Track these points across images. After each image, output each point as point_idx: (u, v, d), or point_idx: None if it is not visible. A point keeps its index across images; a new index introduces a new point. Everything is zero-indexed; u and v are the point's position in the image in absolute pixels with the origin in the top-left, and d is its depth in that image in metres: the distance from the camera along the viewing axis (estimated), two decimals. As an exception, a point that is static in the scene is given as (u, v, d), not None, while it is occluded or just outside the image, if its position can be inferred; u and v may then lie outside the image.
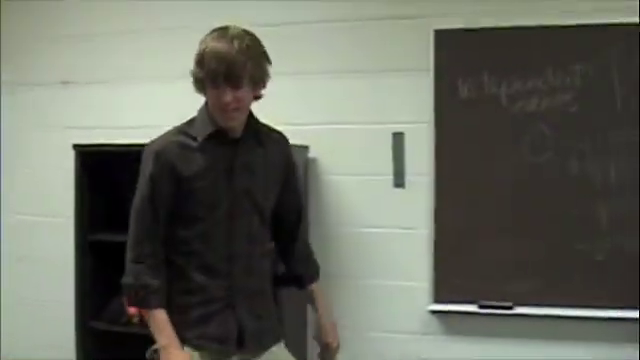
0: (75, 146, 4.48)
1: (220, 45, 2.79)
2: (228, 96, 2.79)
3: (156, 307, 2.82)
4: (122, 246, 2.95)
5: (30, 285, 5.22)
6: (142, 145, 3.87)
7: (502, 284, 4.20)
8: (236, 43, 2.79)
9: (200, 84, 2.87)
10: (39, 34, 5.18)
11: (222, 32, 2.84)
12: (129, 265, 2.84)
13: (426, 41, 4.28)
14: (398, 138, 4.40)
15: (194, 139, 2.88)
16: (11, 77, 5.25)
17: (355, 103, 4.50)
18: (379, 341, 4.41)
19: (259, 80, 2.89)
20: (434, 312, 4.33)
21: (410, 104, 4.38)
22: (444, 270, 4.29)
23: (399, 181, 4.42)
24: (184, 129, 2.91)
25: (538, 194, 4.15)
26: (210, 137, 2.88)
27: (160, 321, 2.81)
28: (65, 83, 5.09)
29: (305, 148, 4.51)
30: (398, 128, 4.41)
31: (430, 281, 4.31)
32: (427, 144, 4.30)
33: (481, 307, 4.21)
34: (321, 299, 3.25)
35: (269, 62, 2.93)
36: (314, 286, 3.25)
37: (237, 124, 2.91)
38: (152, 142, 2.91)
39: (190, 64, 4.34)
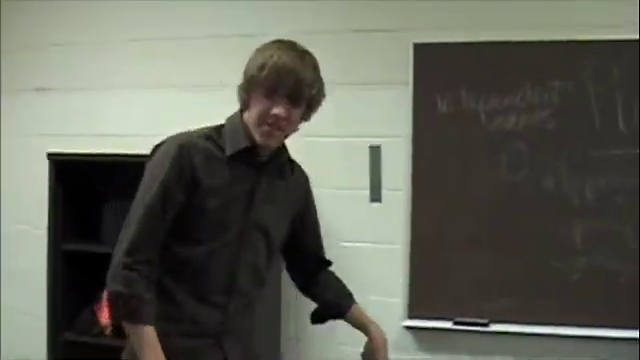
0: (50, 155, 4.51)
1: (290, 57, 2.68)
2: (282, 109, 2.65)
3: (148, 323, 2.54)
4: (96, 256, 2.90)
5: (2, 295, 5.25)
6: (118, 155, 3.92)
7: (478, 301, 4.21)
8: (308, 60, 2.73)
9: (248, 89, 2.72)
10: (16, 41, 5.22)
11: (291, 45, 2.75)
12: (119, 271, 2.54)
13: (405, 54, 4.31)
14: (375, 152, 4.43)
15: (221, 150, 2.72)
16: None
17: (332, 115, 4.46)
18: (353, 356, 4.43)
19: (315, 106, 2.82)
20: (409, 328, 4.34)
21: (388, 117, 4.41)
22: (419, 286, 4.30)
23: (375, 195, 4.44)
24: (212, 136, 2.74)
25: (515, 211, 4.17)
26: (240, 153, 2.72)
27: (152, 339, 2.54)
28: (40, 90, 5.12)
29: (282, 161, 4.52)
30: (375, 141, 4.43)
31: (405, 297, 4.33)
32: (404, 158, 4.32)
33: (456, 323, 4.23)
34: (366, 316, 3.17)
35: (324, 94, 2.86)
36: (354, 306, 3.18)
37: (273, 146, 2.77)
38: (174, 136, 2.72)
39: (172, 73, 4.42)
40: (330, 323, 3.14)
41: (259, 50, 2.72)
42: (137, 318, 2.53)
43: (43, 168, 4.55)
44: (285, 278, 4.14)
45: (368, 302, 4.34)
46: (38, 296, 4.53)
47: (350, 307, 3.13)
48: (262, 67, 2.63)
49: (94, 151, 4.51)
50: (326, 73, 4.45)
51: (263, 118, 2.65)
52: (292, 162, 3.01)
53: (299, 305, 4.34)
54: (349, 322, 3.16)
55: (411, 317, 4.33)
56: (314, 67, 2.74)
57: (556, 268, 4.14)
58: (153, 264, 2.57)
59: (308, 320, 3.09)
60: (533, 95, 4.14)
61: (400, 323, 4.34)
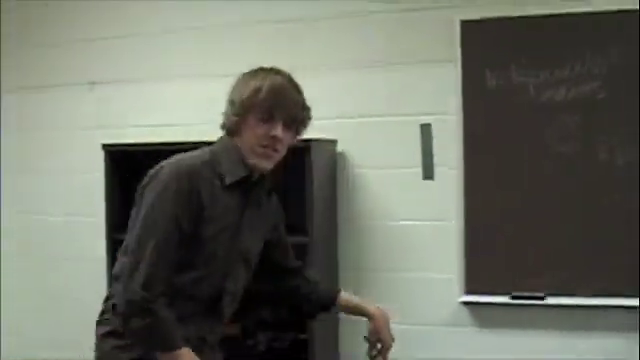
0: (104, 146, 4.67)
1: (282, 81, 2.79)
2: (280, 132, 2.75)
3: (182, 345, 2.63)
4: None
5: (62, 285, 5.45)
6: (171, 144, 4.07)
7: (534, 275, 4.27)
8: (295, 84, 2.85)
9: (242, 114, 2.77)
10: (67, 36, 5.38)
11: (278, 70, 2.84)
12: (141, 306, 2.58)
13: (452, 32, 4.37)
14: (426, 129, 4.50)
15: (219, 178, 2.78)
16: (39, 79, 5.48)
17: (382, 96, 4.60)
18: (411, 334, 4.52)
19: (303, 129, 2.90)
20: (466, 303, 4.42)
21: (437, 95, 4.47)
22: (475, 261, 4.38)
23: (428, 173, 4.51)
24: (212, 163, 2.79)
25: (567, 184, 4.22)
26: (238, 181, 2.81)
27: (193, 358, 2.65)
28: (92, 84, 5.29)
29: (333, 142, 4.64)
30: (425, 120, 4.50)
31: (461, 273, 4.40)
32: (455, 135, 4.40)
33: (513, 298, 4.29)
34: (357, 299, 3.21)
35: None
36: (341, 294, 3.21)
37: (269, 168, 2.84)
38: (175, 163, 2.75)
39: (218, 62, 4.54)
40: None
41: (248, 75, 2.83)
42: (172, 345, 2.62)
43: (98, 159, 4.73)
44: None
45: (423, 279, 4.51)
46: (95, 285, 4.61)
47: (339, 293, 3.21)
48: (258, 90, 2.74)
49: (147, 141, 4.68)
50: (375, 53, 4.61)
51: (261, 140, 2.75)
52: (269, 192, 3.06)
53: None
54: (343, 309, 3.25)
55: (468, 293, 4.41)
56: (300, 91, 2.86)
57: (610, 240, 4.19)
58: (168, 291, 2.63)
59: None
60: (582, 66, 4.18)
61: (456, 299, 4.43)
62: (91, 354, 2.88)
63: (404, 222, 4.59)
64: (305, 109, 2.86)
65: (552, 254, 4.27)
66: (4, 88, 5.59)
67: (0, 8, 5.49)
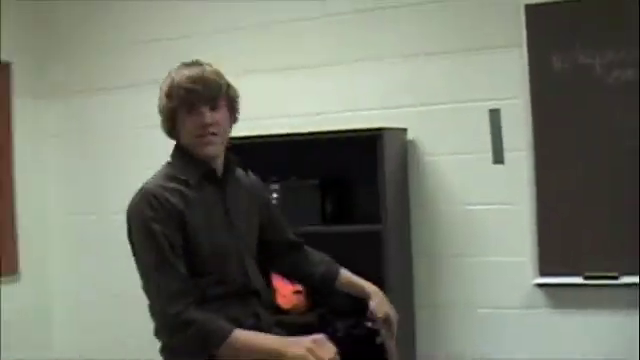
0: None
1: (190, 70, 2.88)
2: (207, 117, 2.84)
3: (232, 329, 2.70)
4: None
5: (132, 281, 5.62)
6: (242, 137, 4.20)
7: (606, 255, 4.31)
8: (207, 67, 2.91)
9: (170, 120, 2.89)
10: (130, 38, 5.62)
11: (188, 63, 2.93)
12: (175, 321, 2.68)
13: (516, 17, 4.45)
14: (495, 114, 4.58)
15: (186, 184, 2.86)
16: (110, 81, 5.70)
17: (449, 83, 4.69)
18: (488, 317, 4.60)
19: (234, 102, 2.97)
20: (540, 285, 4.48)
21: (504, 80, 4.55)
22: (548, 243, 4.44)
23: (498, 157, 4.59)
24: (172, 174, 2.89)
25: (637, 163, 4.25)
26: (202, 178, 2.90)
27: (250, 335, 2.74)
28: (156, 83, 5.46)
29: (403, 131, 4.74)
30: (494, 105, 4.58)
31: (534, 255, 4.47)
32: (523, 119, 4.47)
33: (586, 278, 4.34)
34: (357, 277, 3.28)
35: (237, 94, 3.00)
36: (342, 272, 3.28)
37: (217, 152, 2.92)
38: (140, 192, 2.84)
39: (273, 57, 4.63)
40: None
41: (164, 80, 2.92)
42: (222, 334, 2.69)
43: (163, 158, 4.88)
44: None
45: (497, 263, 4.59)
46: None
47: (338, 273, 3.28)
48: (170, 91, 2.86)
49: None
50: (440, 42, 4.71)
51: (194, 133, 2.85)
52: (242, 167, 3.16)
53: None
54: (342, 288, 3.31)
55: (541, 275, 4.47)
56: (215, 72, 2.92)
57: (682, 218, 4.22)
58: (193, 294, 2.73)
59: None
60: None
61: (530, 281, 4.50)
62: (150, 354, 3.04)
63: (476, 207, 4.67)
64: (223, 86, 2.92)
65: (625, 233, 4.29)
66: (69, 91, 5.84)
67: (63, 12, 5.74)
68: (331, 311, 4.61)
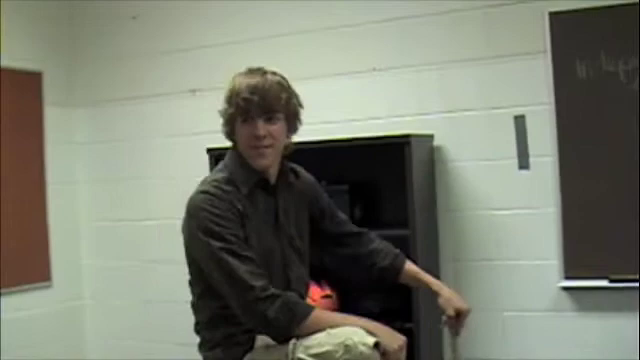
0: (209, 150, 4.96)
1: (251, 78, 2.92)
2: (261, 129, 2.88)
3: (314, 308, 2.85)
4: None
5: (162, 287, 5.81)
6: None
7: (631, 258, 4.37)
8: (269, 76, 2.94)
9: (230, 125, 2.96)
10: (167, 47, 5.75)
11: (253, 69, 2.98)
12: (259, 304, 2.75)
13: (540, 24, 4.54)
14: (520, 121, 4.66)
15: (238, 190, 2.92)
16: (140, 89, 5.85)
17: (476, 90, 4.78)
18: (514, 320, 4.65)
19: (294, 116, 3.00)
20: (565, 288, 4.55)
21: (528, 87, 4.62)
22: (573, 247, 4.51)
23: (523, 163, 4.67)
24: (229, 178, 2.94)
25: None
26: (254, 186, 2.96)
27: (331, 313, 2.97)
28: (193, 91, 5.63)
29: (430, 137, 4.84)
30: (519, 111, 4.66)
31: (560, 258, 4.54)
32: (548, 125, 4.55)
33: (611, 281, 4.40)
34: (424, 273, 3.32)
35: (301, 105, 3.04)
36: (407, 265, 3.33)
37: (269, 164, 2.97)
38: (200, 194, 2.89)
39: (306, 66, 4.74)
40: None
41: (228, 84, 2.99)
42: (309, 308, 2.83)
43: (199, 164, 5.01)
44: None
45: (523, 267, 4.67)
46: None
47: (402, 267, 3.32)
48: (229, 98, 2.93)
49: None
50: (467, 49, 4.80)
51: (248, 144, 2.92)
52: (294, 171, 3.21)
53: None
54: (407, 282, 3.38)
55: (567, 278, 4.54)
56: (277, 82, 2.95)
57: None
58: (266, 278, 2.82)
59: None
60: None
61: (556, 284, 4.57)
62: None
63: (501, 212, 4.75)
64: (283, 99, 2.94)
65: (648, 236, 4.36)
66: (99, 100, 6.01)
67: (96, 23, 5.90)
68: (360, 315, 4.69)
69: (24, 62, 5.65)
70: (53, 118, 5.86)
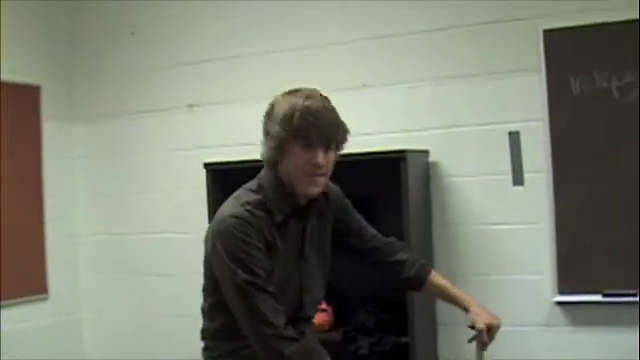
0: (206, 164, 5.01)
1: (313, 103, 2.79)
2: (321, 158, 2.79)
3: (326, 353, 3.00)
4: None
5: (160, 301, 5.84)
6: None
7: (625, 273, 4.42)
8: (327, 104, 2.84)
9: (279, 148, 2.80)
10: (165, 62, 5.81)
11: (309, 92, 2.85)
12: (275, 343, 2.73)
13: (534, 41, 4.60)
14: (514, 137, 4.71)
15: (271, 215, 2.85)
16: (138, 104, 5.90)
17: (470, 106, 4.84)
18: (509, 334, 4.64)
19: (342, 147, 2.90)
20: (559, 303, 4.59)
21: (523, 103, 4.68)
22: (567, 262, 4.56)
23: (518, 179, 4.72)
24: (262, 201, 2.85)
25: None
26: (288, 214, 2.89)
27: None
28: (191, 106, 5.69)
29: (425, 152, 4.89)
30: (513, 127, 4.71)
31: (554, 273, 4.58)
32: (542, 141, 4.60)
33: (605, 296, 4.45)
34: (451, 285, 3.27)
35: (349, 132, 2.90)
36: (432, 276, 3.26)
37: (317, 193, 2.90)
38: (229, 214, 2.82)
39: (308, 82, 4.77)
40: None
41: (275, 104, 2.86)
42: (324, 354, 2.94)
43: (197, 178, 5.11)
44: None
45: (517, 282, 4.71)
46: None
47: (425, 278, 3.26)
48: (290, 119, 2.76)
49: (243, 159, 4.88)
50: (463, 66, 4.86)
51: (303, 170, 2.80)
52: (325, 193, 3.09)
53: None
54: (432, 293, 3.37)
55: (561, 293, 4.59)
56: (334, 109, 2.86)
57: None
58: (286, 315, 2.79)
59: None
60: None
61: (550, 299, 4.62)
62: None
63: (496, 227, 4.80)
64: (342, 128, 2.86)
65: (641, 251, 4.41)
66: (97, 114, 6.06)
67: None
68: (355, 328, 4.74)
69: (23, 76, 5.70)
70: (51, 132, 5.90)
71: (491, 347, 3.19)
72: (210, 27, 5.64)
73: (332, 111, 2.85)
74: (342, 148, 2.92)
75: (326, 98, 2.88)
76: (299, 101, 2.80)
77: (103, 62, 6.02)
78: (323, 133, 2.79)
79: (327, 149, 2.82)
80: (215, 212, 4.72)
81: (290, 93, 2.88)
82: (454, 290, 3.28)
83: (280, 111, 2.81)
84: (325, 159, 2.82)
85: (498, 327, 3.14)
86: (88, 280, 6.11)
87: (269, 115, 2.87)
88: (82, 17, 6.07)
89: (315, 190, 2.88)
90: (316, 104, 2.81)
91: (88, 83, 6.08)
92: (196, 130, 5.66)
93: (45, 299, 5.77)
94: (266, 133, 2.87)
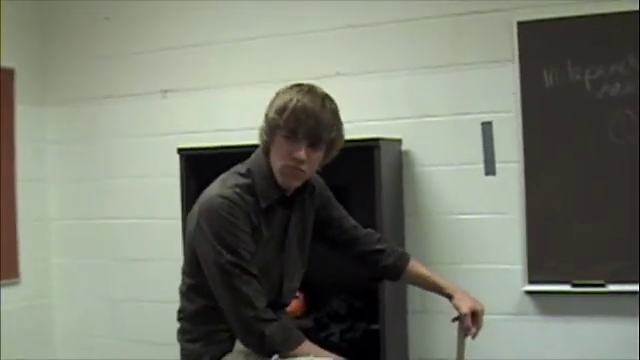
0: (180, 150, 4.99)
1: (310, 100, 2.85)
2: (302, 153, 2.84)
3: (304, 339, 2.90)
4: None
5: (131, 286, 5.84)
6: (243, 146, 4.36)
7: (594, 263, 4.47)
8: (327, 103, 2.89)
9: (270, 133, 2.89)
10: (139, 48, 5.79)
11: (310, 88, 2.91)
12: (254, 324, 2.80)
13: (508, 33, 4.62)
14: (487, 127, 4.73)
15: (257, 201, 2.91)
16: (112, 89, 5.87)
17: (444, 96, 4.85)
18: None
19: (335, 148, 2.98)
20: (529, 293, 4.64)
21: (496, 94, 4.70)
22: (537, 252, 4.59)
23: (490, 169, 4.74)
24: (250, 185, 2.91)
25: (624, 175, 4.41)
26: (274, 202, 2.96)
27: (320, 348, 2.91)
28: (164, 92, 5.66)
29: (398, 141, 4.90)
30: (486, 118, 4.73)
31: (524, 263, 4.62)
32: (515, 132, 4.62)
33: (574, 286, 4.50)
34: (432, 273, 3.33)
35: (344, 136, 3.01)
36: (411, 265, 3.32)
37: (296, 185, 2.97)
38: (216, 194, 2.86)
39: (281, 68, 4.77)
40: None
41: (279, 94, 2.94)
42: (297, 341, 2.87)
43: (172, 164, 5.07)
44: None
45: (488, 271, 4.73)
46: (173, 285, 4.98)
47: (404, 267, 3.33)
48: (282, 110, 2.83)
49: (216, 144, 4.95)
50: (437, 56, 4.87)
51: (283, 161, 2.87)
52: (312, 186, 3.17)
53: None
54: (412, 281, 3.44)
55: (531, 282, 4.63)
56: (332, 111, 2.91)
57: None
58: (267, 298, 2.86)
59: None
60: (636, 61, 4.39)
61: (520, 288, 4.65)
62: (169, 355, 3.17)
63: (468, 216, 4.83)
64: (334, 130, 2.92)
65: (611, 242, 4.46)
66: (71, 98, 6.02)
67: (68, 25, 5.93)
68: (327, 315, 4.75)
69: (-4, 59, 5.64)
70: (24, 116, 5.85)
71: (450, 336, 3.23)
72: (184, 13, 5.60)
73: (330, 112, 2.90)
74: (335, 151, 3.00)
75: (327, 97, 2.93)
76: (298, 96, 2.86)
77: (77, 46, 5.98)
78: (310, 130, 2.84)
79: (313, 147, 2.87)
80: (188, 198, 4.80)
81: (295, 87, 2.93)
82: (436, 278, 3.33)
83: (280, 101, 2.88)
84: (307, 155, 2.86)
85: (482, 312, 3.19)
86: (59, 265, 6.08)
87: (271, 102, 2.94)
88: (57, 1, 6.01)
89: (294, 183, 2.96)
90: (313, 103, 2.85)
91: (62, 67, 6.03)
92: (170, 116, 5.64)
93: (16, 283, 5.73)
94: (265, 118, 2.94)
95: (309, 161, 2.89)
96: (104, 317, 5.93)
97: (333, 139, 2.94)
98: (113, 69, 5.86)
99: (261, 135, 2.97)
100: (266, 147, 2.97)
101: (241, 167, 3.02)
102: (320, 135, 2.87)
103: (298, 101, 2.84)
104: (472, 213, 4.83)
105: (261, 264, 2.91)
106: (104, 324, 5.93)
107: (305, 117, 2.82)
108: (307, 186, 3.11)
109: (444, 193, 4.87)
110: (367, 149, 4.49)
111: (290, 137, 2.85)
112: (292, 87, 2.94)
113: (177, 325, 3.18)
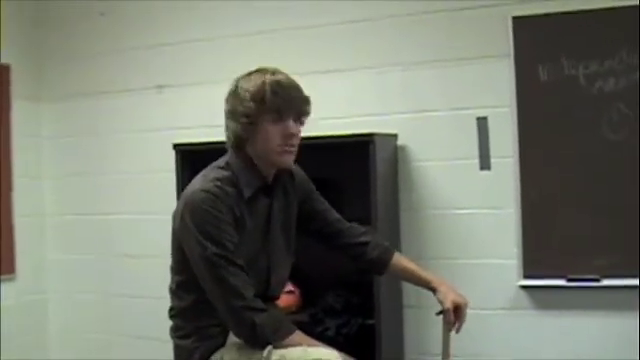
0: (175, 145, 4.99)
1: (284, 78, 2.89)
2: (293, 127, 2.89)
3: (295, 329, 2.94)
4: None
5: (126, 282, 5.83)
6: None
7: (589, 258, 4.46)
8: (292, 79, 2.95)
9: (251, 124, 2.88)
10: (134, 44, 5.79)
11: (270, 69, 2.93)
12: (243, 313, 2.82)
13: (503, 28, 4.61)
14: (482, 123, 4.73)
15: (239, 191, 2.93)
16: (108, 85, 5.86)
17: (440, 91, 4.84)
18: (474, 317, 4.66)
19: (305, 120, 3.01)
20: (524, 287, 4.63)
21: (491, 89, 4.69)
22: (532, 247, 4.59)
23: (485, 164, 4.74)
24: (231, 178, 2.93)
25: (619, 170, 4.41)
26: (257, 190, 2.98)
27: (311, 338, 2.96)
28: (160, 87, 5.66)
29: (394, 136, 4.89)
30: (482, 113, 4.73)
31: (519, 258, 4.61)
32: (510, 127, 4.61)
33: (569, 281, 4.50)
34: (417, 267, 3.37)
35: None
36: (395, 259, 3.36)
37: (291, 163, 3.00)
38: (199, 189, 2.87)
39: (277, 64, 4.74)
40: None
41: (241, 85, 2.93)
42: (289, 330, 2.91)
43: (168, 159, 5.07)
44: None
45: (483, 265, 4.73)
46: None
47: (389, 260, 3.36)
48: (256, 97, 2.85)
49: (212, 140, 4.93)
50: (432, 51, 4.86)
51: (276, 142, 2.89)
52: (290, 171, 3.18)
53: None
54: (396, 275, 3.48)
55: (526, 277, 4.62)
56: (299, 85, 2.97)
57: (663, 222, 4.37)
58: (255, 290, 2.88)
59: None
60: (630, 57, 4.39)
61: (515, 283, 4.65)
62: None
63: (463, 211, 4.82)
64: (309, 101, 2.97)
65: (605, 237, 4.47)
66: (67, 94, 6.01)
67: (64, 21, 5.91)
68: (323, 310, 4.75)
69: (-8, 55, 5.62)
70: (21, 111, 5.85)
71: (463, 327, 3.23)
72: (180, 9, 5.59)
73: (298, 85, 2.96)
74: (304, 122, 3.01)
75: (287, 75, 2.96)
76: (266, 77, 2.89)
77: (73, 42, 5.97)
78: (293, 105, 2.90)
79: (300, 121, 2.95)
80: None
81: (252, 73, 2.96)
82: (421, 272, 3.36)
83: (248, 89, 2.89)
84: (296, 129, 2.93)
85: (466, 306, 3.24)
86: (55, 260, 6.08)
87: (235, 95, 2.93)
88: (52, -3, 6.00)
89: (290, 159, 2.97)
90: (283, 79, 2.90)
91: (57, 63, 6.03)
92: (165, 111, 5.64)
93: (12, 279, 5.73)
94: (232, 114, 2.93)
95: (298, 136, 2.96)
96: (100, 312, 5.93)
97: (309, 111, 3.00)
98: (109, 65, 5.85)
99: (234, 131, 2.96)
100: (243, 139, 2.95)
101: (220, 161, 3.04)
102: (303, 109, 2.95)
103: (274, 81, 2.87)
104: (467, 208, 4.82)
105: (247, 255, 2.93)
106: (100, 319, 5.93)
107: (285, 94, 2.87)
108: (282, 174, 3.12)
109: (439, 188, 4.87)
110: (362, 144, 4.48)
111: (277, 118, 2.88)
112: (250, 74, 2.96)
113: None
